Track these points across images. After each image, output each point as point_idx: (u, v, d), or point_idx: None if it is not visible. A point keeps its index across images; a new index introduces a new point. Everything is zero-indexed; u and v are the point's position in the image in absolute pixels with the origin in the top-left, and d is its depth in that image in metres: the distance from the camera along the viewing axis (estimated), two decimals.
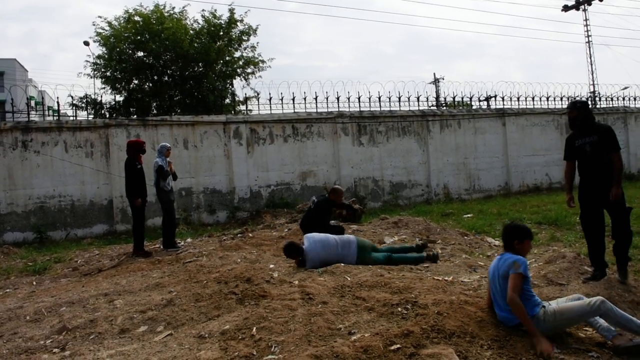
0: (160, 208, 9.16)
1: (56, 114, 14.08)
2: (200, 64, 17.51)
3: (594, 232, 5.29)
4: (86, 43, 23.22)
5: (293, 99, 14.69)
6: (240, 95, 18.69)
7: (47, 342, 4.43)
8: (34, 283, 7.33)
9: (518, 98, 17.36)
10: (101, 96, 17.97)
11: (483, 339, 3.60)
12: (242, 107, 18.13)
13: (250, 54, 18.52)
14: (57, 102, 13.53)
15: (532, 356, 3.45)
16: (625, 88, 21.63)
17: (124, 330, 4.52)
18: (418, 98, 16.05)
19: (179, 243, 9.18)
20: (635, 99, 19.70)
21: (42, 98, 15.26)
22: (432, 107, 17.02)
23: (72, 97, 16.45)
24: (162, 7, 17.62)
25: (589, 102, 19.82)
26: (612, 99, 19.69)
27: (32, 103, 15.21)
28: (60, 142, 12.44)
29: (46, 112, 14.98)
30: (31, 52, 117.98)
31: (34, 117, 14.26)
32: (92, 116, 16.29)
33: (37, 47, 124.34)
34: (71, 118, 14.17)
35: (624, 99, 19.72)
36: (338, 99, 15.10)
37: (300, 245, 6.25)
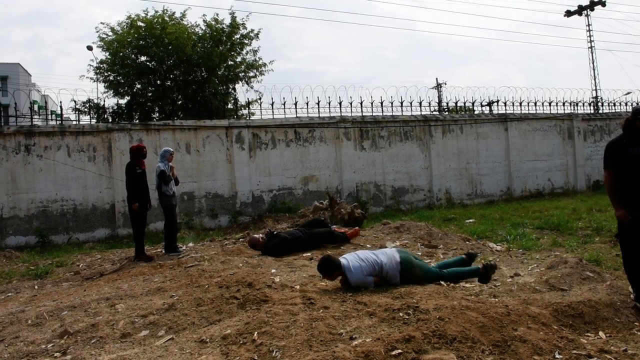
0: (162, 212, 9.16)
1: (59, 119, 14.13)
2: (202, 69, 17.56)
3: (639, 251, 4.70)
4: (89, 47, 23.38)
5: (295, 104, 14.72)
6: (242, 100, 18.75)
7: (49, 346, 4.43)
8: (36, 287, 7.33)
9: (520, 103, 17.37)
10: (104, 100, 18.05)
11: (485, 344, 3.59)
12: (245, 112, 18.18)
13: (252, 58, 18.58)
14: (60, 107, 13.58)
15: None
16: (628, 93, 21.72)
17: (125, 334, 4.52)
18: (420, 103, 16.08)
19: (181, 247, 9.18)
20: (637, 104, 19.68)
21: (45, 102, 15.33)
22: (434, 112, 17.03)
23: (75, 101, 16.51)
24: (165, 12, 17.70)
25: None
26: (614, 104, 19.68)
27: (35, 107, 15.28)
28: (63, 147, 12.48)
29: (49, 117, 15.03)
30: (35, 57, 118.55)
31: (37, 121, 14.30)
32: (94, 120, 16.34)
33: (40, 52, 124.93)
34: (74, 122, 14.21)
35: (626, 104, 19.71)
36: (340, 103, 15.13)
37: (337, 260, 5.34)
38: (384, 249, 5.81)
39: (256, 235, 8.37)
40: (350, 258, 5.36)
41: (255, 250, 8.13)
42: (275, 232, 8.26)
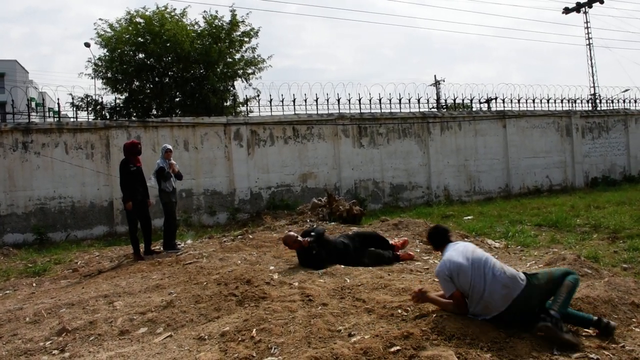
0: (161, 209, 9.14)
1: (56, 116, 14.09)
2: (201, 66, 17.52)
3: None
4: (87, 44, 23.30)
5: (294, 101, 14.70)
6: (241, 97, 18.72)
7: (47, 343, 4.43)
8: (34, 284, 7.32)
9: (519, 100, 17.37)
10: (102, 97, 17.97)
11: (483, 341, 3.60)
12: (243, 108, 18.16)
13: (251, 55, 18.55)
14: (58, 104, 13.55)
15: (531, 358, 3.45)
16: (626, 90, 21.66)
17: (124, 331, 4.52)
18: (419, 100, 16.08)
19: (179, 244, 9.16)
20: (635, 102, 19.70)
21: (43, 99, 15.26)
22: (432, 109, 17.02)
23: (72, 95, 16.49)
24: (164, 8, 17.64)
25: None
26: (612, 102, 19.70)
27: (33, 104, 15.23)
28: (60, 144, 12.45)
29: (47, 114, 14.97)
30: (32, 54, 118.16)
31: (35, 118, 14.26)
32: (92, 117, 16.31)
33: (38, 49, 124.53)
34: (72, 119, 14.17)
35: (624, 101, 19.72)
36: (339, 100, 15.11)
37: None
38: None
39: (293, 234, 6.70)
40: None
41: (288, 247, 6.72)
42: (315, 237, 6.54)
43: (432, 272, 5.94)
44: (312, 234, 6.62)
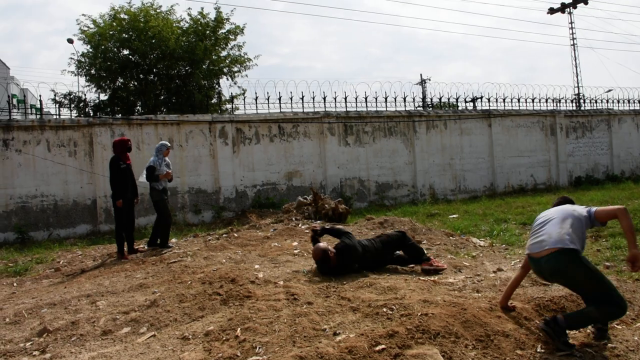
0: (146, 207, 9.01)
1: (39, 113, 13.88)
2: (186, 63, 17.40)
3: None
4: (70, 40, 22.87)
5: (279, 99, 14.64)
6: (226, 94, 18.62)
7: (27, 344, 4.35)
8: (15, 284, 7.20)
9: (504, 99, 17.50)
10: (85, 94, 17.74)
11: (468, 339, 3.60)
12: (228, 106, 18.07)
13: (237, 53, 18.48)
14: (40, 100, 13.36)
15: (515, 356, 3.46)
16: (609, 91, 21.94)
17: (107, 331, 4.46)
18: (404, 98, 16.11)
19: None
20: (618, 102, 19.96)
21: (25, 96, 15.07)
22: (418, 108, 17.07)
23: (54, 91, 16.25)
24: (149, 5, 17.48)
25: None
26: (596, 102, 19.94)
27: (14, 101, 14.97)
28: (42, 141, 12.27)
29: (28, 111, 14.75)
30: (14, 50, 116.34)
31: (16, 115, 14.03)
32: (75, 114, 16.10)
33: (20, 45, 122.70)
34: (54, 117, 13.97)
35: (607, 101, 19.97)
36: (324, 98, 15.09)
37: None
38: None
39: (322, 245, 5.76)
40: None
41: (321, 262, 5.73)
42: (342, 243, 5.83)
43: (417, 270, 5.95)
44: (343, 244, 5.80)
